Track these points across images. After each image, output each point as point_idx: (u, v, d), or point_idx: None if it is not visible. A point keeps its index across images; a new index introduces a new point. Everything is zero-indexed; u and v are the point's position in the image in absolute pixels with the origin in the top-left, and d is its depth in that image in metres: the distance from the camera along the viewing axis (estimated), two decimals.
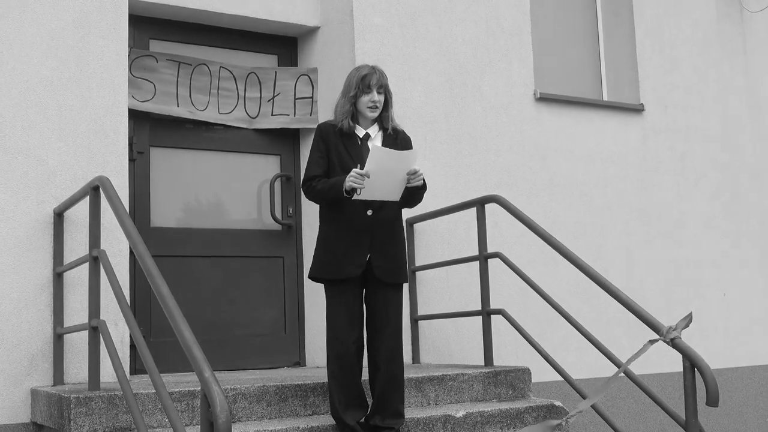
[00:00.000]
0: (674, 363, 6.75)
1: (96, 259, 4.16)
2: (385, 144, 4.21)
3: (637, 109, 7.19)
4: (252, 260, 5.99)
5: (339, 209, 4.13)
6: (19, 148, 4.80)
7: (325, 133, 4.23)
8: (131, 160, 5.58)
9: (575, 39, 7.21)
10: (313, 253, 4.28)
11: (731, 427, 7.26)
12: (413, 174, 4.06)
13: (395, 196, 4.08)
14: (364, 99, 4.16)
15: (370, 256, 4.09)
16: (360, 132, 4.23)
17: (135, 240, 3.56)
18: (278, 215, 6.06)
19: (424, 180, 4.15)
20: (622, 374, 4.34)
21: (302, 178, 4.31)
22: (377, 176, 3.96)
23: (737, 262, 7.55)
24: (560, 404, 4.79)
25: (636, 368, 5.77)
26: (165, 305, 3.16)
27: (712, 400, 3.73)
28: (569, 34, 7.18)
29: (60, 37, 4.99)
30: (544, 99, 6.71)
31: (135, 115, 5.60)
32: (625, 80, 7.32)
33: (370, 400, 4.21)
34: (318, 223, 4.32)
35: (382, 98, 4.18)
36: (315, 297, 5.94)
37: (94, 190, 4.25)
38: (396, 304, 4.17)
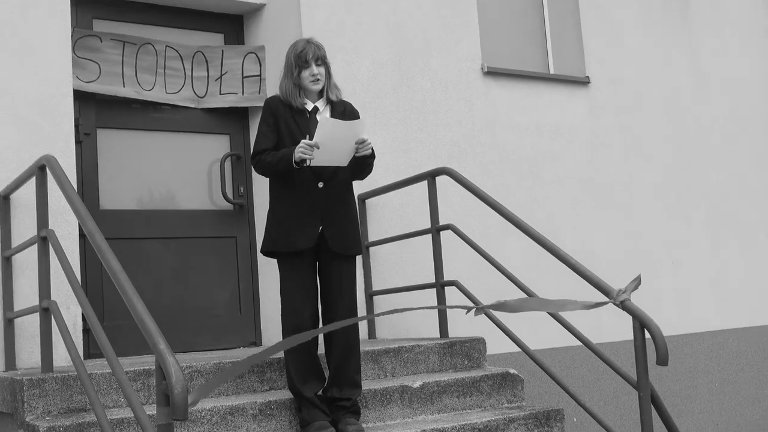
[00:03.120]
0: (626, 331, 6.87)
1: (45, 240, 4.10)
2: (333, 117, 4.23)
3: (583, 82, 7.27)
4: (204, 241, 5.95)
5: (289, 182, 4.13)
6: None
7: (274, 107, 4.24)
8: (78, 142, 5.50)
9: (521, 12, 7.25)
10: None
11: (682, 392, 7.41)
12: (362, 143, 4.08)
13: (344, 162, 4.10)
14: (305, 74, 4.18)
15: (322, 228, 4.10)
16: (309, 106, 4.24)
17: (84, 217, 3.51)
18: (229, 195, 6.03)
19: (372, 149, 4.17)
20: (581, 344, 4.40)
21: (251, 152, 4.30)
22: (326, 146, 3.98)
23: (685, 232, 7.69)
24: (515, 372, 4.85)
25: (589, 336, 5.86)
26: (116, 279, 3.13)
27: (662, 359, 3.79)
28: (515, 7, 7.22)
29: (0, 17, 4.89)
30: (491, 73, 6.74)
31: (80, 97, 5.52)
32: (571, 53, 7.39)
33: (326, 374, 4.23)
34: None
35: (322, 70, 4.20)
36: (269, 276, 5.92)
37: (41, 170, 4.18)
38: (349, 275, 4.18)
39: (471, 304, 5.22)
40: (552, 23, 7.36)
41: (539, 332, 6.42)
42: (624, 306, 3.97)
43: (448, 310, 5.64)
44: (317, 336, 4.17)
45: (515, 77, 6.90)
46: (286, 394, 4.19)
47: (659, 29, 7.87)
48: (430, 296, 5.99)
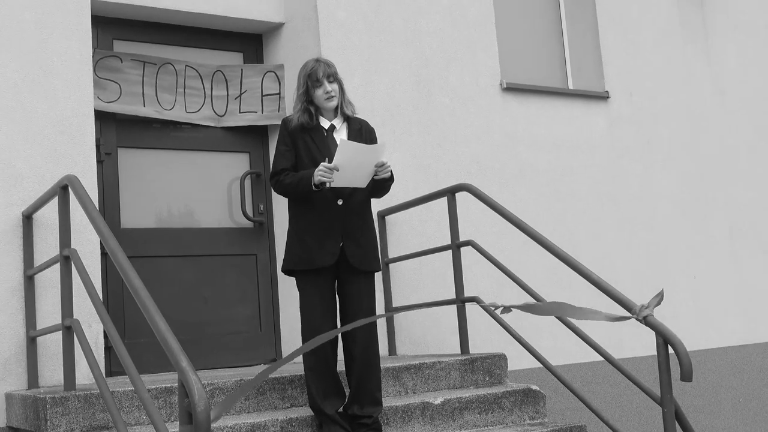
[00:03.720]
0: (648, 346, 6.82)
1: (67, 259, 4.13)
2: (350, 136, 4.25)
3: (603, 97, 7.26)
4: (225, 258, 5.97)
5: (309, 200, 4.14)
6: None
7: (291, 126, 4.25)
8: (99, 161, 5.54)
9: (539, 27, 7.25)
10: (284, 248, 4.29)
11: (706, 408, 7.34)
12: (381, 166, 4.09)
13: (362, 184, 4.12)
14: (319, 92, 4.20)
15: (342, 244, 4.11)
16: (325, 124, 4.26)
17: (106, 236, 3.53)
18: (249, 212, 6.05)
19: (391, 172, 4.19)
20: (603, 360, 4.37)
21: (270, 172, 4.32)
22: (345, 169, 4.00)
23: (706, 245, 7.64)
24: (537, 388, 4.82)
25: (611, 352, 5.81)
26: (138, 297, 3.14)
27: (686, 375, 3.76)
28: (533, 23, 7.23)
29: (22, 39, 4.95)
30: (510, 89, 6.75)
31: (101, 117, 5.56)
32: (590, 68, 7.38)
33: (347, 391, 4.22)
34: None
35: (335, 86, 4.21)
36: (289, 293, 5.92)
37: (63, 190, 4.22)
38: (369, 291, 4.19)
39: (494, 313, 5.20)
40: (570, 38, 7.36)
41: (561, 348, 6.39)
42: (647, 321, 3.95)
43: (468, 326, 5.61)
44: (337, 353, 4.17)
45: (534, 92, 6.90)
46: (307, 412, 4.19)
47: (678, 42, 7.85)
48: (451, 312, 5.97)
